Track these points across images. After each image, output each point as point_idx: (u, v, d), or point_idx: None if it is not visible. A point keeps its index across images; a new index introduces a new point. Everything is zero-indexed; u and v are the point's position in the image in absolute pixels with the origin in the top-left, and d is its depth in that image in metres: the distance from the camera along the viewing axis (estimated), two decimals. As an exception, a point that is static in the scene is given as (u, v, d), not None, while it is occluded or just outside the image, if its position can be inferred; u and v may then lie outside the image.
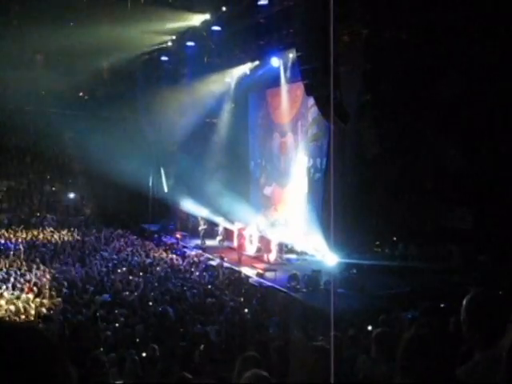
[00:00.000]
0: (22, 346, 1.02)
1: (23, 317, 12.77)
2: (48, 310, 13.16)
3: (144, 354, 9.00)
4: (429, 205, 16.38)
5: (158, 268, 19.33)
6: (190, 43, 24.51)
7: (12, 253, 20.78)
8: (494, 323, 2.57)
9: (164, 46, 26.72)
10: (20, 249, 21.57)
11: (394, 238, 17.35)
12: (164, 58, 27.26)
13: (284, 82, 22.55)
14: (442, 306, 8.43)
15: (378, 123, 17.27)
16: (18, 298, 14.25)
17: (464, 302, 2.78)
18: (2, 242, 22.89)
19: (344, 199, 15.82)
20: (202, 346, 9.05)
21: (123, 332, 10.87)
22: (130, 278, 17.36)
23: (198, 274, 18.91)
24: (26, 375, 0.99)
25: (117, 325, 11.55)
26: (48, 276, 17.33)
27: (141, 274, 18.13)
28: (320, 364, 2.82)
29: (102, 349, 9.39)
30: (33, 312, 13.08)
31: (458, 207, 15.66)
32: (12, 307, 13.19)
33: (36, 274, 17.49)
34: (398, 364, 2.41)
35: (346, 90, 15.83)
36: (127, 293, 15.50)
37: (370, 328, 8.34)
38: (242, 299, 15.33)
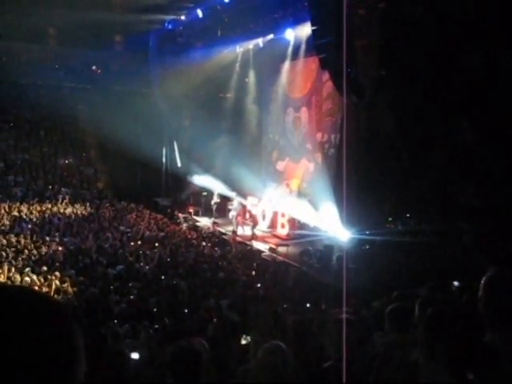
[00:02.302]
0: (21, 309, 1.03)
1: (37, 289, 12.89)
2: (62, 282, 13.28)
3: (157, 326, 9.11)
4: (442, 182, 16.28)
5: (170, 242, 19.43)
6: (203, 16, 24.38)
7: (29, 226, 20.92)
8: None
9: (177, 18, 26.60)
10: (34, 223, 21.74)
11: (408, 215, 17.29)
12: (177, 32, 27.15)
13: (298, 56, 22.31)
14: (454, 283, 8.41)
15: (393, 99, 17.11)
16: (33, 270, 14.37)
17: (483, 280, 2.69)
18: (17, 214, 23.02)
19: (357, 175, 15.76)
20: (215, 320, 9.12)
21: (137, 304, 10.99)
22: (143, 251, 17.47)
23: (210, 247, 19.02)
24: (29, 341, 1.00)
25: (131, 297, 11.67)
26: (62, 249, 17.48)
27: (154, 247, 18.24)
28: (340, 337, 2.84)
29: (116, 321, 9.51)
30: (47, 284, 13.21)
31: (471, 185, 15.56)
32: (27, 279, 13.34)
33: (50, 247, 17.65)
34: (421, 337, 2.39)
35: (362, 64, 15.69)
36: (141, 265, 15.64)
37: (381, 301, 8.35)
38: (255, 273, 15.41)
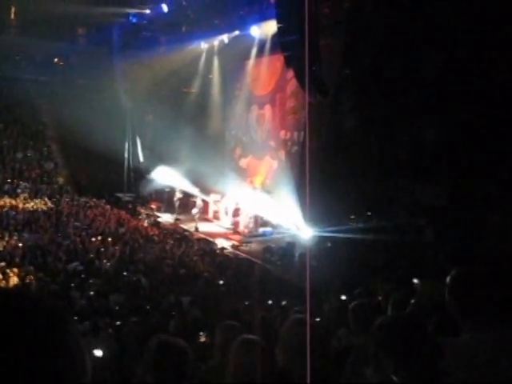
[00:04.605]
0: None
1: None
2: (20, 278, 13.04)
3: (118, 323, 9.00)
4: (404, 180, 16.49)
5: (132, 237, 19.24)
6: (168, 10, 24.22)
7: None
8: (483, 302, 2.46)
9: (142, 12, 26.37)
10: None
11: (369, 213, 17.46)
12: (141, 26, 26.92)
13: (263, 54, 22.31)
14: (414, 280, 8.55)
15: (356, 97, 17.25)
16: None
17: (447, 281, 2.59)
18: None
19: (320, 173, 15.83)
20: (177, 317, 9.06)
21: (97, 301, 10.84)
22: (104, 247, 17.26)
23: (172, 244, 18.88)
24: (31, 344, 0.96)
25: (91, 293, 11.50)
26: (21, 244, 17.14)
27: (115, 243, 18.02)
28: (301, 336, 2.83)
29: (76, 317, 9.36)
30: (4, 281, 12.94)
31: (432, 183, 15.79)
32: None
33: (8, 242, 17.30)
34: (375, 340, 2.35)
35: (327, 63, 15.76)
36: (103, 261, 15.45)
37: (343, 298, 8.42)
38: (217, 270, 15.36)
